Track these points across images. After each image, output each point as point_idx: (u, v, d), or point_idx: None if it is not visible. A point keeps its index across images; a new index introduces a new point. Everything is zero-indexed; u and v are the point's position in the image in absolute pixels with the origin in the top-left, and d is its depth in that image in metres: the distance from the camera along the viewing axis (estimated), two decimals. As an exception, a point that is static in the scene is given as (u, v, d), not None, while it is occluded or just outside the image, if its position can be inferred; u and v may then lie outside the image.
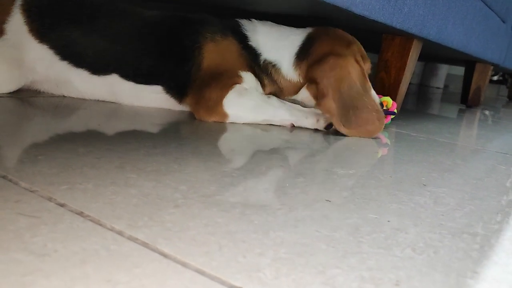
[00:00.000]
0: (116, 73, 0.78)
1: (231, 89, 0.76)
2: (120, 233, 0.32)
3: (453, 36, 1.17)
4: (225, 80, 0.77)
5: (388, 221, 0.41)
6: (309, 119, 0.81)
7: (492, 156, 0.82)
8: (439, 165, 0.67)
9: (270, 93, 0.86)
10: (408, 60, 1.06)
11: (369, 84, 0.84)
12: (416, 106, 1.68)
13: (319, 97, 0.80)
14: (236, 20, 0.85)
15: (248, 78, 0.81)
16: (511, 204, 0.52)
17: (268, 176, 0.50)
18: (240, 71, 0.80)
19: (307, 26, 0.89)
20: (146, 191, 0.40)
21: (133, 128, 0.65)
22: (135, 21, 0.80)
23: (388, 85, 1.09)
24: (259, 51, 0.83)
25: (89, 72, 0.77)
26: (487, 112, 1.91)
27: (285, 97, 0.88)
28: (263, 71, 0.83)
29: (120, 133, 0.61)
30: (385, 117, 0.96)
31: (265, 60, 0.83)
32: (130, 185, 0.41)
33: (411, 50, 1.05)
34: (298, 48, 0.84)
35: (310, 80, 0.82)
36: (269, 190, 0.45)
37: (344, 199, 0.45)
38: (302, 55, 0.83)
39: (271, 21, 0.89)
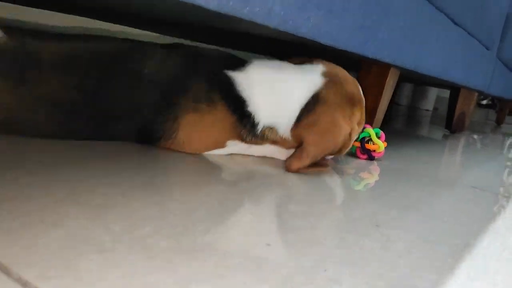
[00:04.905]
0: None
1: None
2: (25, 284, 0.30)
3: (432, 64, 1.17)
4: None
5: (325, 270, 0.40)
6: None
7: (462, 191, 0.81)
8: (401, 201, 0.66)
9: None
10: (385, 88, 1.06)
11: (349, 145, 0.81)
12: (400, 130, 1.68)
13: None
14: (226, 74, 0.72)
15: (232, 147, 0.76)
16: (460, 250, 0.51)
17: (213, 214, 0.49)
18: (227, 141, 0.74)
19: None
20: (73, 232, 0.39)
21: (87, 156, 0.64)
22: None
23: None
24: (257, 120, 0.73)
25: None
26: (475, 136, 1.91)
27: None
28: (257, 137, 0.75)
29: (73, 162, 0.59)
30: (364, 155, 0.95)
31: (263, 127, 0.74)
32: (59, 225, 0.40)
33: (388, 78, 1.05)
34: (300, 111, 0.74)
35: (296, 138, 0.75)
36: (208, 233, 0.44)
37: (286, 243, 0.44)
38: (302, 116, 0.73)
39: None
